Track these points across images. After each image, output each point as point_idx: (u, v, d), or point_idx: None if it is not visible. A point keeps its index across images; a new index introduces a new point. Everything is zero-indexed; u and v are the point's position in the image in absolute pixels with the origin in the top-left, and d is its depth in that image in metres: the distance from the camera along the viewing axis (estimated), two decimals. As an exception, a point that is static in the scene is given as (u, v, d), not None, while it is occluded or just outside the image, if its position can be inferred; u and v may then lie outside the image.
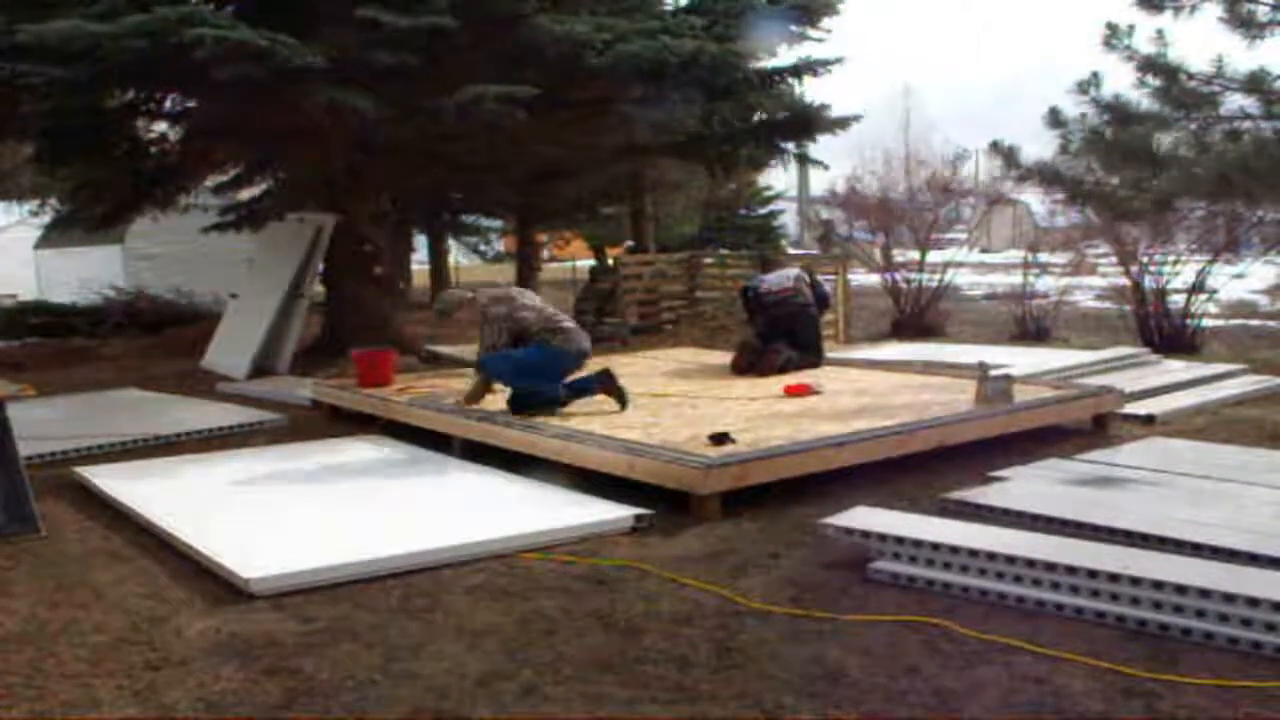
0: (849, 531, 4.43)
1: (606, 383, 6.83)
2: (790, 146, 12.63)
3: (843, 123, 11.84)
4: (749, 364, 8.25)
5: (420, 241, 22.93)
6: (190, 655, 3.68)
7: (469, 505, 5.49)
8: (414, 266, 22.21)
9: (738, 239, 26.22)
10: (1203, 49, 7.09)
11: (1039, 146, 7.97)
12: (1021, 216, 21.31)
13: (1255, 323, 13.87)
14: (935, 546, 4.17)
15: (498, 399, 6.94)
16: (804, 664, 3.47)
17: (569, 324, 6.91)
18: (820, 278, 9.59)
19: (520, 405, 6.69)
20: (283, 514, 5.38)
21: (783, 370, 8.08)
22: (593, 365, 7.05)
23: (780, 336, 8.47)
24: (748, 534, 4.92)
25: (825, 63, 11.55)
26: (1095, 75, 7.30)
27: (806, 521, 4.92)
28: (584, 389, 6.81)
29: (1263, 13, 6.84)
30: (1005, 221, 23.51)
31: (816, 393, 7.29)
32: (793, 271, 9.07)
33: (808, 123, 11.84)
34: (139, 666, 3.61)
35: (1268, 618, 3.45)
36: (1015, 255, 18.44)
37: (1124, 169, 7.40)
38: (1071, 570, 3.86)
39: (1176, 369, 9.28)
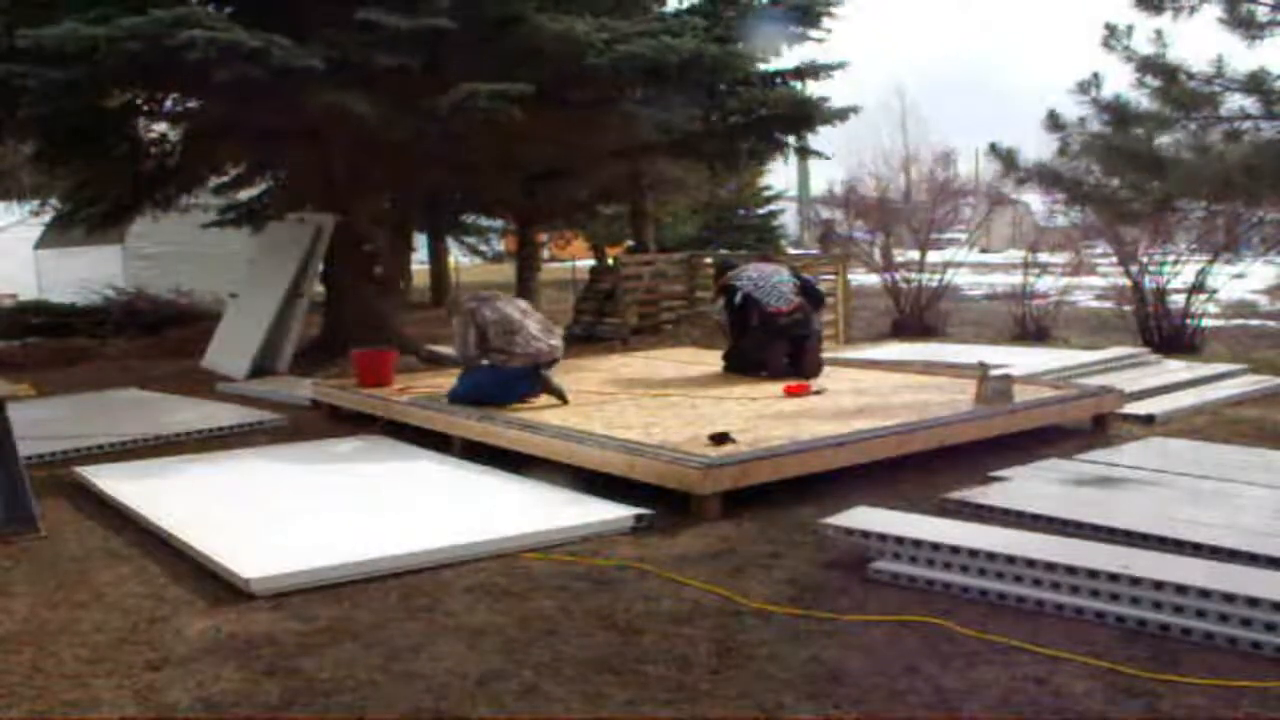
0: (849, 531, 4.43)
1: (546, 383, 7.15)
2: (790, 140, 12.63)
3: (841, 114, 11.81)
4: (781, 369, 7.93)
5: (420, 241, 22.93)
6: (190, 655, 3.68)
7: (469, 505, 5.48)
8: (414, 266, 22.22)
9: (738, 239, 26.25)
10: (1203, 49, 7.11)
11: (1037, 148, 8.00)
12: (1021, 216, 21.31)
13: (1255, 323, 13.88)
14: (935, 546, 4.17)
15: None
16: (804, 664, 3.47)
17: (521, 338, 7.06)
18: (816, 276, 9.32)
19: (462, 401, 7.09)
20: (283, 514, 5.38)
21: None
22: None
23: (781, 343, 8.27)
24: (748, 534, 4.92)
25: (829, 67, 11.54)
26: (1096, 75, 7.32)
27: (806, 521, 4.92)
28: (527, 393, 7.14)
29: (1262, 13, 6.85)
30: (1005, 221, 23.52)
31: (816, 393, 7.30)
32: (786, 278, 8.30)
33: (807, 115, 11.82)
34: (139, 666, 3.60)
35: (1268, 618, 3.45)
36: (1015, 255, 18.45)
37: (1125, 170, 7.41)
38: (1071, 570, 3.86)
39: (1176, 369, 9.28)
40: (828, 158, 13.65)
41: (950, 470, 5.87)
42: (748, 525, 5.04)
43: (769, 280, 8.26)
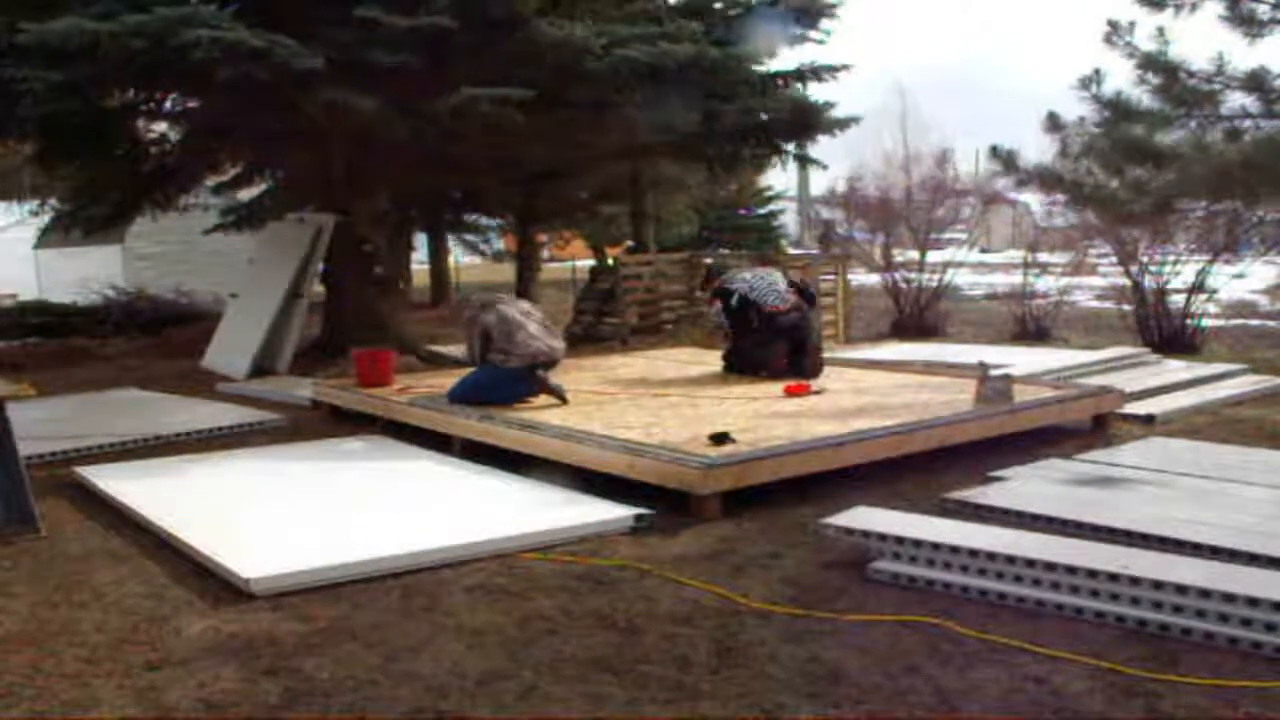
0: (849, 531, 4.43)
1: (544, 384, 7.15)
2: (790, 147, 12.64)
3: (842, 124, 11.84)
4: (780, 369, 7.94)
5: (420, 241, 22.93)
6: (190, 655, 3.68)
7: (469, 505, 5.48)
8: (414, 266, 22.21)
9: (738, 239, 26.24)
10: (1204, 47, 7.12)
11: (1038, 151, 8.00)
12: (1021, 216, 21.30)
13: (1255, 323, 13.89)
14: (935, 546, 4.17)
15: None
16: (804, 664, 3.47)
17: (521, 336, 7.08)
18: (815, 279, 9.30)
19: (461, 400, 7.13)
20: (283, 514, 5.38)
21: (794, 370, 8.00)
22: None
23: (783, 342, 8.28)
24: (748, 534, 4.92)
25: (830, 68, 11.55)
26: (1097, 72, 7.32)
27: (806, 521, 4.91)
28: (526, 394, 7.13)
29: (1263, 11, 6.85)
30: (1005, 221, 23.50)
31: (816, 392, 7.29)
32: (779, 277, 8.42)
33: (808, 123, 11.84)
34: (139, 666, 3.60)
35: (1268, 618, 3.45)
36: (1015, 255, 18.45)
37: (1125, 164, 7.41)
38: (1071, 570, 3.86)
39: (1176, 369, 9.28)
40: (824, 167, 13.67)
41: (950, 470, 5.87)
42: (748, 525, 5.04)
43: (763, 280, 8.30)
